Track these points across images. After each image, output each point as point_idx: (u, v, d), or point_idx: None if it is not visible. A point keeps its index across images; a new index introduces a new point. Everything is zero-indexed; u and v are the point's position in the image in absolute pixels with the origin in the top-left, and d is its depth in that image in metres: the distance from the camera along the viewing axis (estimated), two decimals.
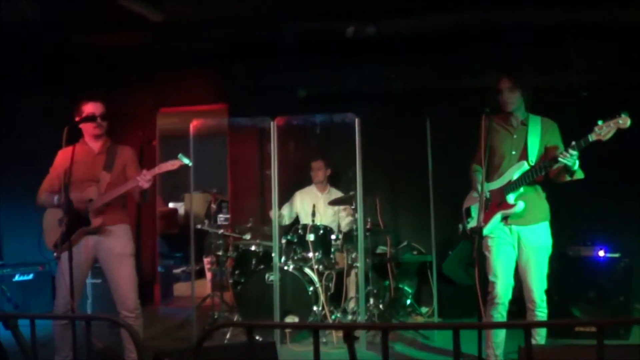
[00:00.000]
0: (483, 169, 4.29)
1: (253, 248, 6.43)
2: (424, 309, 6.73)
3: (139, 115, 8.00)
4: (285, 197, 6.95)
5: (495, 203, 4.55)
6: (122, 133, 6.65)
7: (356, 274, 6.13)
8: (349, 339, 2.28)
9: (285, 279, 5.87)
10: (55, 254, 4.59)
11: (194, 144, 5.96)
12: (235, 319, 6.22)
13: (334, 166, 7.04)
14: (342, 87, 7.30)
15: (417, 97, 7.14)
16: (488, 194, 4.57)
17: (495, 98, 4.58)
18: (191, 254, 6.09)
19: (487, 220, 4.54)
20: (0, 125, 8.02)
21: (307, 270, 6.03)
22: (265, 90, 7.55)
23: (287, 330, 5.79)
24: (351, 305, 6.27)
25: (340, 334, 5.33)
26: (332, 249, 6.24)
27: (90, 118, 4.71)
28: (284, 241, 6.22)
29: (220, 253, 6.65)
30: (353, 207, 6.14)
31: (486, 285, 4.59)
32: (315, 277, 5.97)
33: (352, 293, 6.31)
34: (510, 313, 4.64)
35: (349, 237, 6.49)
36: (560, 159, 4.15)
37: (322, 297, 5.88)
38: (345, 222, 6.83)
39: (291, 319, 5.80)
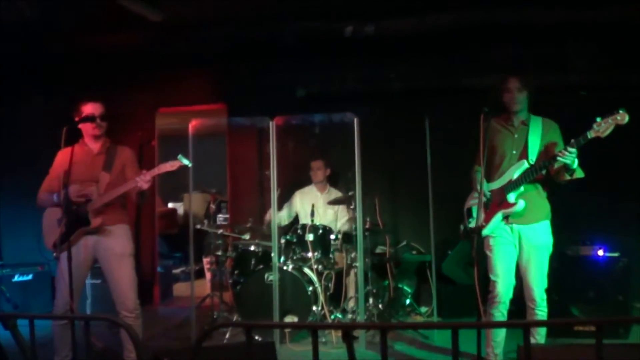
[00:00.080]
0: (482, 168, 4.30)
1: (252, 248, 6.43)
2: (423, 309, 6.72)
3: (138, 115, 8.00)
4: (284, 197, 6.95)
5: (496, 202, 4.56)
6: (121, 133, 6.64)
7: (355, 274, 6.13)
8: (348, 338, 2.28)
9: (285, 279, 5.87)
10: (54, 254, 4.59)
11: (193, 144, 5.96)
12: (234, 318, 6.21)
13: (333, 166, 7.04)
14: (341, 87, 7.30)
15: (416, 96, 7.14)
16: (489, 194, 4.58)
17: (499, 98, 4.59)
18: (190, 254, 6.09)
19: (488, 219, 4.55)
20: (0, 125, 8.01)
21: (306, 270, 6.03)
22: (264, 90, 7.55)
23: (287, 330, 5.79)
24: (350, 305, 6.27)
25: (340, 333, 5.34)
26: (332, 249, 6.24)
27: (90, 118, 4.71)
28: (283, 241, 6.21)
29: (219, 253, 6.65)
30: (352, 206, 6.14)
31: (487, 284, 4.60)
32: (314, 277, 5.97)
33: (351, 293, 6.31)
34: (509, 312, 4.65)
35: (348, 236, 6.49)
36: (559, 157, 4.16)
37: (321, 297, 5.88)
38: (341, 221, 6.83)
39: (290, 318, 5.80)
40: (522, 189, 4.45)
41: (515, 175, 4.46)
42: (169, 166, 4.69)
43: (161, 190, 9.35)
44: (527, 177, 4.41)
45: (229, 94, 7.82)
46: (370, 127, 6.14)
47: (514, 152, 4.56)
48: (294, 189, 7.08)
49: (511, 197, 4.47)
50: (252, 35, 6.80)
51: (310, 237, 6.10)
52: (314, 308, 5.83)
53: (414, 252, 7.04)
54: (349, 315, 6.16)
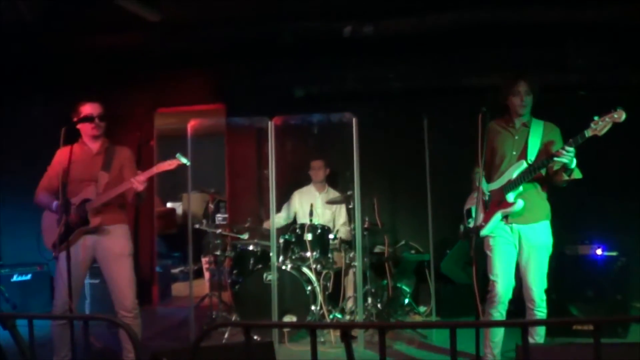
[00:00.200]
0: (481, 168, 4.31)
1: (251, 248, 6.43)
2: (422, 308, 6.72)
3: (136, 116, 8.00)
4: (283, 196, 6.95)
5: (495, 202, 4.56)
6: (120, 133, 6.64)
7: (354, 273, 6.13)
8: (346, 338, 2.28)
9: (283, 279, 5.87)
10: (53, 254, 4.59)
11: (192, 144, 5.96)
12: (233, 318, 6.22)
13: (332, 166, 7.04)
14: (340, 87, 7.31)
15: (415, 96, 7.15)
16: (488, 195, 4.59)
17: (504, 100, 4.58)
18: (189, 253, 6.08)
19: (487, 219, 4.56)
20: (0, 125, 8.01)
21: (305, 269, 6.03)
22: (263, 90, 7.55)
23: (285, 330, 5.79)
24: (349, 304, 6.27)
25: (339, 333, 5.34)
26: (330, 249, 6.24)
27: (88, 119, 4.71)
28: (281, 241, 6.21)
29: (218, 253, 6.65)
30: (351, 206, 6.14)
31: (486, 283, 4.61)
32: (313, 277, 5.97)
33: (350, 292, 6.32)
34: (509, 312, 4.65)
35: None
36: (556, 158, 4.17)
37: (320, 297, 5.88)
38: (340, 221, 6.84)
39: (289, 318, 5.80)
40: (521, 188, 4.46)
41: (514, 175, 4.46)
42: (167, 165, 4.69)
43: (160, 190, 9.36)
44: (526, 177, 4.41)
45: (227, 94, 7.82)
46: (369, 127, 6.15)
47: (514, 153, 4.57)
48: (293, 189, 7.08)
49: (510, 196, 4.47)
50: (250, 35, 6.80)
51: (308, 236, 6.10)
52: (313, 308, 5.83)
53: (413, 251, 7.05)
54: (348, 315, 6.16)
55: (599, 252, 5.71)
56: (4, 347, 3.11)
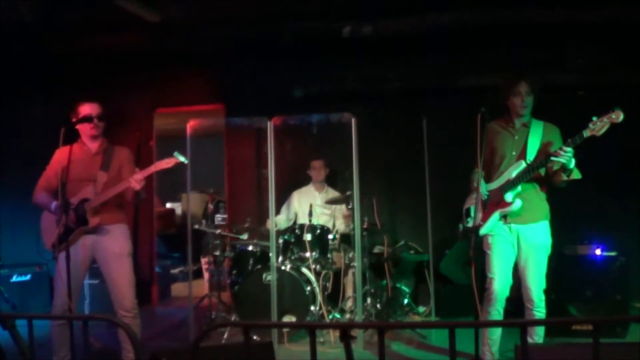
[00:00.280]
0: (480, 168, 4.31)
1: (250, 248, 6.43)
2: (421, 309, 6.72)
3: (136, 116, 8.00)
4: (282, 197, 6.95)
5: (494, 202, 4.57)
6: (120, 133, 6.65)
7: (353, 274, 6.13)
8: (346, 338, 2.28)
9: (283, 279, 5.87)
10: (53, 254, 4.59)
11: (191, 144, 5.96)
12: (232, 319, 6.22)
13: (331, 166, 7.04)
14: (339, 87, 7.31)
15: (414, 96, 7.15)
16: (487, 195, 4.59)
17: (504, 100, 4.59)
18: (188, 254, 6.08)
19: (485, 219, 4.57)
20: (0, 125, 8.01)
21: (304, 270, 6.03)
22: (262, 91, 7.56)
23: (285, 330, 5.80)
24: (349, 304, 6.27)
25: (338, 333, 5.34)
26: (329, 249, 6.24)
27: (87, 119, 4.71)
28: (281, 241, 6.21)
29: (217, 253, 6.65)
30: (350, 206, 6.14)
31: (484, 281, 4.61)
32: (312, 277, 5.97)
33: (349, 293, 6.31)
34: (507, 312, 4.65)
35: (346, 236, 6.49)
36: (554, 158, 4.17)
37: (319, 297, 5.88)
38: (339, 221, 6.84)
39: (289, 318, 5.80)
40: (519, 188, 4.46)
41: (513, 175, 4.47)
42: (166, 163, 4.69)
43: (159, 190, 9.36)
44: (524, 177, 4.42)
45: (226, 94, 7.83)
46: (368, 127, 6.15)
47: (514, 153, 4.57)
48: (292, 189, 7.08)
49: (508, 196, 4.48)
50: (249, 36, 6.80)
51: (308, 237, 6.10)
52: (312, 308, 5.83)
53: (412, 251, 7.05)
54: (347, 315, 6.16)
55: (598, 252, 5.71)
56: (4, 348, 3.11)
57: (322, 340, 5.70)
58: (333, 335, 5.76)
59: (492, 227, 4.59)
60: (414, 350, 5.60)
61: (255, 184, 7.71)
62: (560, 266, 5.62)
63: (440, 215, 6.23)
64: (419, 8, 6.26)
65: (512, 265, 4.59)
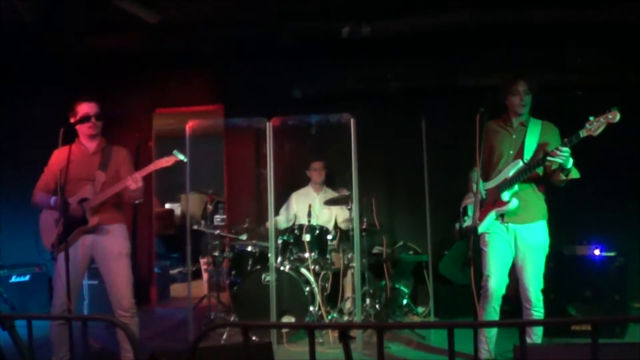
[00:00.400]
0: (478, 168, 4.32)
1: (249, 248, 6.43)
2: (420, 309, 6.72)
3: (135, 116, 8.01)
4: (282, 197, 6.95)
5: (491, 201, 4.58)
6: (119, 134, 6.65)
7: (352, 274, 6.13)
8: (345, 338, 2.28)
9: (282, 280, 5.87)
10: (53, 254, 4.59)
11: (190, 145, 5.96)
12: (231, 319, 6.22)
13: (330, 167, 7.03)
14: (338, 88, 7.30)
15: (413, 97, 7.15)
16: (484, 194, 4.60)
17: (502, 99, 4.60)
18: (187, 254, 6.09)
19: (481, 218, 4.58)
20: (0, 125, 8.01)
21: (303, 270, 6.03)
22: (261, 91, 7.56)
23: (284, 331, 5.79)
24: (347, 305, 6.27)
25: (337, 333, 5.34)
26: (328, 249, 6.24)
27: (85, 119, 4.71)
28: (280, 242, 6.22)
29: (216, 254, 6.65)
30: (349, 207, 6.14)
31: (481, 279, 4.62)
32: (311, 278, 5.97)
33: (348, 293, 6.31)
34: (506, 312, 4.66)
35: (345, 237, 6.49)
36: (550, 158, 4.18)
37: (318, 298, 5.88)
38: (338, 221, 6.85)
39: (287, 319, 5.80)
40: (516, 187, 4.47)
41: (510, 174, 4.48)
42: (165, 162, 4.69)
43: (158, 191, 9.35)
44: (521, 176, 4.43)
45: (226, 95, 7.83)
46: (367, 128, 6.15)
47: (511, 152, 4.59)
48: (291, 190, 7.07)
49: (505, 195, 4.49)
50: (248, 36, 6.81)
51: (307, 237, 6.11)
52: (311, 308, 5.83)
53: (411, 252, 7.05)
54: (346, 316, 6.16)
55: (597, 252, 5.71)
56: (3, 348, 3.11)
57: (321, 340, 5.70)
58: (332, 335, 5.76)
59: (489, 226, 4.60)
60: (413, 350, 5.60)
61: (254, 185, 7.71)
62: (559, 266, 5.62)
63: (439, 216, 6.23)
64: (419, 8, 6.25)
65: (509, 264, 4.60)
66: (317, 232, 6.20)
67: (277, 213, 6.78)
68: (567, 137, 4.18)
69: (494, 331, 4.67)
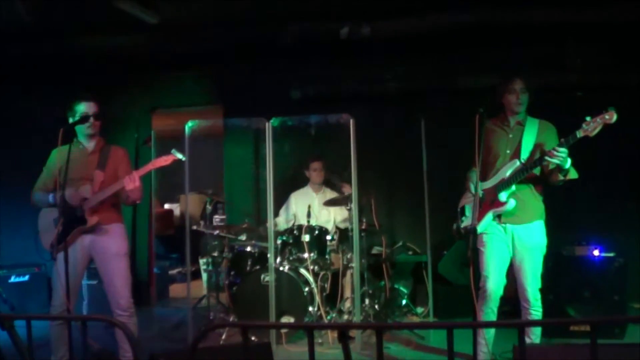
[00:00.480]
0: (477, 168, 4.32)
1: (248, 249, 6.43)
2: (419, 309, 6.72)
3: (134, 117, 8.00)
4: (281, 197, 6.94)
5: (488, 202, 4.58)
6: (118, 134, 6.65)
7: (351, 275, 6.13)
8: (344, 339, 2.28)
9: (281, 280, 5.87)
10: (52, 254, 4.59)
11: (190, 145, 5.95)
12: (230, 319, 6.22)
13: (329, 167, 7.03)
14: (337, 88, 7.31)
15: (412, 97, 7.15)
16: (482, 193, 4.60)
17: (499, 98, 4.61)
18: (187, 255, 6.08)
19: (479, 218, 4.58)
20: None
21: (302, 270, 6.03)
22: (261, 91, 7.56)
23: (283, 331, 5.79)
24: (347, 305, 6.27)
25: (336, 334, 5.35)
26: (328, 250, 6.24)
27: (84, 119, 4.70)
28: (279, 242, 6.22)
29: (215, 254, 6.66)
30: (348, 207, 6.14)
31: (479, 279, 4.62)
32: (310, 278, 5.97)
33: (347, 293, 6.31)
34: (504, 312, 4.67)
35: (344, 237, 6.49)
36: (547, 158, 4.18)
37: (317, 298, 5.88)
38: (339, 219, 6.84)
39: (287, 319, 5.80)
40: (513, 188, 4.47)
41: (508, 174, 4.48)
42: (163, 161, 4.70)
43: (158, 191, 9.34)
44: (518, 176, 4.43)
45: (225, 95, 7.83)
46: (366, 128, 6.16)
47: (508, 151, 4.59)
48: (290, 190, 7.07)
49: (502, 196, 4.49)
50: (248, 37, 6.81)
51: (306, 238, 6.11)
52: (310, 309, 5.83)
53: (410, 252, 7.05)
54: (345, 316, 6.16)
55: (596, 253, 5.71)
56: (3, 348, 3.11)
57: (320, 341, 5.70)
58: (331, 336, 5.76)
59: (487, 227, 4.60)
60: (412, 351, 5.60)
61: (253, 185, 7.71)
62: (558, 267, 5.62)
63: (438, 216, 6.22)
64: (418, 8, 6.25)
65: (506, 264, 4.61)
66: (317, 232, 6.20)
67: (276, 213, 6.77)
68: (565, 137, 4.18)
69: (491, 332, 4.67)
